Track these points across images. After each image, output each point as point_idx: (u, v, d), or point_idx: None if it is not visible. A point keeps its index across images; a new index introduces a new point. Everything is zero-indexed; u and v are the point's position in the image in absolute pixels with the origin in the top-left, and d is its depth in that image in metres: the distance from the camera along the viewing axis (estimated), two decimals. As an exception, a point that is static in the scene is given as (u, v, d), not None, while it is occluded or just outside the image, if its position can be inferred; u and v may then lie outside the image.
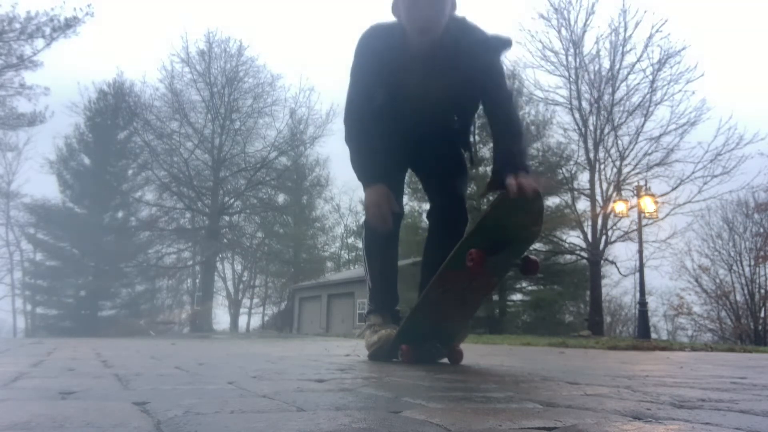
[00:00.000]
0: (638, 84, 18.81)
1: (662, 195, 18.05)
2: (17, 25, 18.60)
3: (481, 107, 2.56)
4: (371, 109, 2.52)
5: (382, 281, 2.70)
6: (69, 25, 19.18)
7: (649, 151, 18.74)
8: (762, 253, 26.34)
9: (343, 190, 50.42)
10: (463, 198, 2.73)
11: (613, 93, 19.19)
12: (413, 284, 2.80)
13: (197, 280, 31.35)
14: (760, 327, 25.96)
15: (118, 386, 1.42)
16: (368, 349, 2.62)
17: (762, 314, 26.48)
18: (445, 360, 2.52)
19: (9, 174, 30.74)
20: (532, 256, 2.31)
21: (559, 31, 19.52)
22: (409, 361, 2.40)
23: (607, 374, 2.09)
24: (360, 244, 2.83)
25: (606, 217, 19.06)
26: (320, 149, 30.68)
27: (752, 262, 26.74)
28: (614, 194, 18.78)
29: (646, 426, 0.94)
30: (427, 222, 2.82)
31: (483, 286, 2.42)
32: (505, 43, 2.55)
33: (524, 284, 23.77)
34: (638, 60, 18.56)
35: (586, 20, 19.11)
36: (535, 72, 23.72)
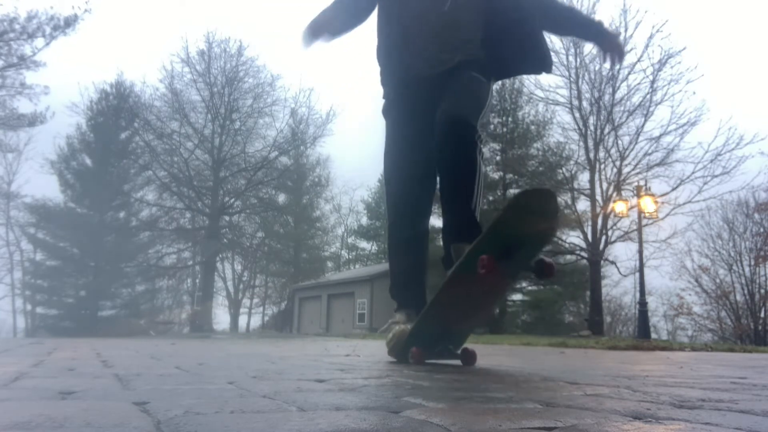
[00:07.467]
0: (639, 84, 18.85)
1: (662, 195, 18.08)
2: (17, 26, 18.64)
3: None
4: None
5: (403, 278, 2.64)
6: (68, 23, 19.22)
7: (649, 151, 18.77)
8: (762, 253, 26.34)
9: (344, 190, 50.60)
10: (468, 122, 2.36)
11: (614, 93, 19.20)
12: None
13: (197, 280, 31.41)
14: (760, 327, 25.95)
15: (118, 386, 1.42)
16: (387, 347, 2.60)
17: (762, 314, 26.48)
18: (457, 362, 2.43)
19: (9, 174, 30.85)
20: (547, 259, 2.17)
21: (559, 31, 19.51)
22: (419, 364, 2.35)
23: (607, 374, 2.09)
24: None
25: (606, 217, 19.06)
26: (321, 149, 30.70)
27: (752, 262, 26.74)
28: (614, 194, 18.78)
29: (646, 426, 0.94)
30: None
31: (495, 288, 2.36)
32: None
33: (524, 284, 23.77)
34: (639, 60, 18.58)
35: (587, 20, 19.09)
36: (535, 72, 23.65)
